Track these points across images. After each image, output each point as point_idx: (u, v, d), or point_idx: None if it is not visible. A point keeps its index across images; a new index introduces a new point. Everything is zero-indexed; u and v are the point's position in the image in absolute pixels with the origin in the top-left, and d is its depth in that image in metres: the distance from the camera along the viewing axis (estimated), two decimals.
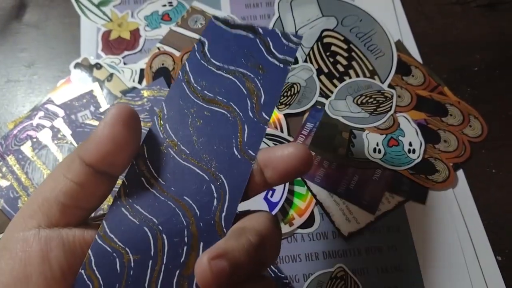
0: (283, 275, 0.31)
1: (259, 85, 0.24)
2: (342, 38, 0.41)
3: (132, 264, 0.20)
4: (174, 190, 0.21)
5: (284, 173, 0.21)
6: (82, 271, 0.20)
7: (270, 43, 0.25)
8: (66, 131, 0.36)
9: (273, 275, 0.31)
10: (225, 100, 0.23)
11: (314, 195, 0.34)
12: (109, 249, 0.20)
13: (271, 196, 0.34)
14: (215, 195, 0.21)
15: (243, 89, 0.24)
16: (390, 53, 0.40)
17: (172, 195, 0.21)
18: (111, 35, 0.41)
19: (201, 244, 0.21)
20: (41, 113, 0.37)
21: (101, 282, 0.20)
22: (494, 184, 0.35)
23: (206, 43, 0.25)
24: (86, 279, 0.20)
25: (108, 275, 0.20)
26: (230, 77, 0.24)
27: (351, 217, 0.34)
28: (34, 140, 0.35)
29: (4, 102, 0.39)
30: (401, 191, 0.35)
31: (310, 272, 0.32)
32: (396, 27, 0.42)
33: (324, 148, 0.36)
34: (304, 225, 0.34)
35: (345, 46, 0.40)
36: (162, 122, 0.23)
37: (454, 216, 0.34)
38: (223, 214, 0.21)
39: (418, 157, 0.36)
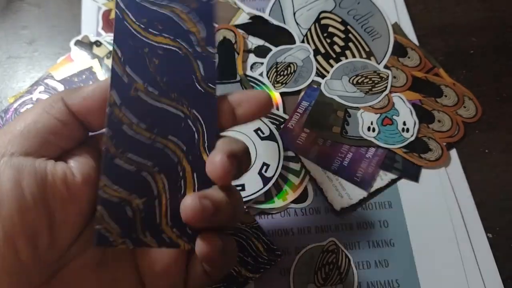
0: (275, 247, 0.32)
1: (195, 21, 0.24)
2: (339, 20, 0.41)
3: (142, 207, 0.21)
4: (158, 131, 0.22)
5: (256, 112, 0.24)
6: (98, 226, 0.21)
7: None
8: None
9: (265, 246, 0.32)
10: (171, 37, 0.23)
11: (308, 171, 0.35)
12: (116, 200, 0.21)
13: (265, 172, 0.34)
14: (194, 129, 0.23)
15: (183, 25, 0.24)
16: (387, 35, 0.40)
17: (157, 136, 0.22)
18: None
19: (195, 174, 0.22)
20: (41, 88, 0.37)
21: (119, 230, 0.21)
22: (487, 164, 0.36)
23: None
24: (103, 232, 0.21)
25: (123, 222, 0.21)
26: (166, 12, 0.23)
27: (343, 193, 0.34)
28: None
29: (5, 77, 0.39)
30: (394, 168, 0.35)
31: (302, 246, 0.32)
32: (394, 9, 0.42)
33: (319, 126, 0.36)
34: (297, 200, 0.34)
35: (342, 28, 0.41)
36: (121, 64, 0.22)
37: (447, 194, 0.34)
38: (206, 144, 0.23)
39: (411, 136, 0.36)
